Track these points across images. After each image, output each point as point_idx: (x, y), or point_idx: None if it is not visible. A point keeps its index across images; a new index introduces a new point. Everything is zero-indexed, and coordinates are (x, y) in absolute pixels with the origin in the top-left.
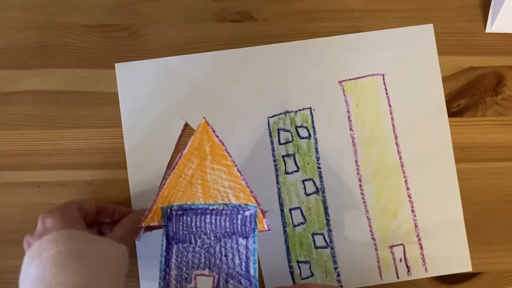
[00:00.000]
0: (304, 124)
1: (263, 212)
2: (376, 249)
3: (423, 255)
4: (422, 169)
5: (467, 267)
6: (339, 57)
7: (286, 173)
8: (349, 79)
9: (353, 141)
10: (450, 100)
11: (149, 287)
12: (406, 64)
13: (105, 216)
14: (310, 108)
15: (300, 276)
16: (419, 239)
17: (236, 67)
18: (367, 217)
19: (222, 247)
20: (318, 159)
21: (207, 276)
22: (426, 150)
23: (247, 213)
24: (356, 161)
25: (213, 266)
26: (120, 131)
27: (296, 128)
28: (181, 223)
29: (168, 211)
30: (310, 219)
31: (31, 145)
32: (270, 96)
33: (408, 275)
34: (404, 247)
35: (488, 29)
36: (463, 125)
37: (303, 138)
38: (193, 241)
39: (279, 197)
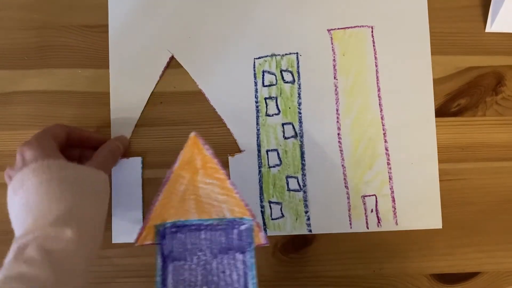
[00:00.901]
0: (290, 69)
1: (259, 226)
2: (348, 198)
3: (395, 208)
4: (402, 124)
5: (437, 224)
6: (330, 5)
7: (267, 115)
8: (338, 28)
9: (336, 89)
10: (450, 100)
11: (121, 225)
12: (395, 19)
13: (82, 143)
14: (297, 53)
15: (271, 216)
16: (392, 192)
17: (228, 6)
18: (342, 165)
19: (219, 263)
20: (299, 104)
21: None
22: (407, 104)
23: (242, 227)
24: (337, 110)
25: (211, 283)
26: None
27: (281, 71)
28: (175, 241)
29: (162, 229)
30: (286, 162)
31: None
32: (258, 38)
33: (378, 226)
34: (376, 198)
35: (488, 29)
36: (463, 125)
37: (287, 82)
38: (188, 258)
39: (258, 137)
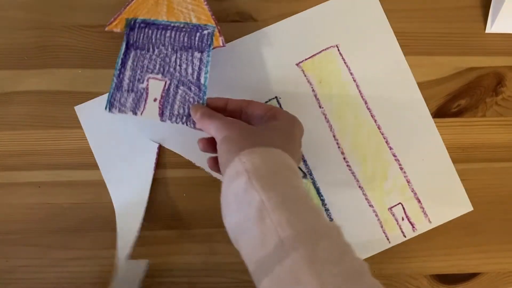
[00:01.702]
0: None
1: (220, 31)
2: (376, 215)
3: (423, 208)
4: (399, 126)
5: (468, 207)
6: (290, 40)
7: None
8: (305, 59)
9: (325, 117)
10: (450, 100)
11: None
12: (356, 30)
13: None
14: (276, 97)
15: None
16: (415, 194)
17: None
18: (359, 186)
19: (178, 58)
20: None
21: (159, 80)
22: (398, 106)
23: (205, 31)
24: (334, 136)
25: (167, 72)
26: None
27: None
28: (142, 34)
29: (132, 22)
30: None
31: (31, 145)
32: (237, 94)
33: (413, 231)
34: (402, 205)
35: (488, 29)
36: (463, 125)
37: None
38: (151, 50)
39: None
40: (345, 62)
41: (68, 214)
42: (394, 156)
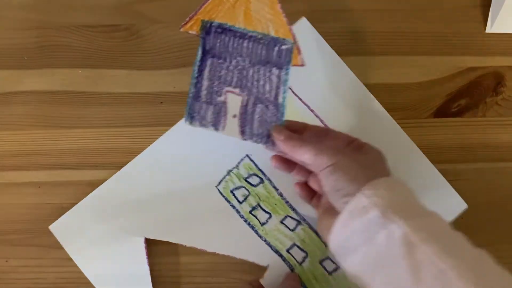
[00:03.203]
0: (251, 172)
1: (299, 49)
2: None
3: None
4: (366, 136)
5: (462, 206)
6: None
7: (262, 224)
8: None
9: None
10: (450, 100)
11: None
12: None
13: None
14: (247, 155)
15: None
16: None
17: (167, 161)
18: None
19: (256, 72)
20: (281, 195)
21: (237, 94)
22: (363, 122)
23: (284, 47)
24: None
25: (244, 87)
26: (119, 131)
27: (245, 180)
28: (218, 40)
29: (208, 25)
30: (310, 250)
31: (31, 145)
32: (205, 167)
33: None
34: None
35: (488, 29)
36: (463, 125)
37: (256, 185)
38: (228, 59)
39: (270, 247)
40: (302, 101)
41: None
42: None
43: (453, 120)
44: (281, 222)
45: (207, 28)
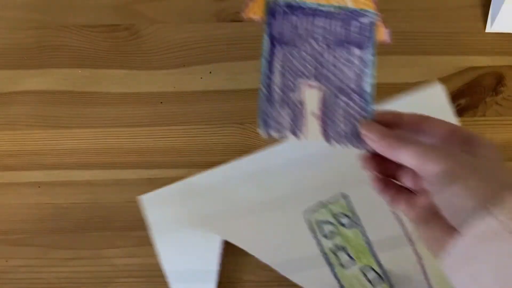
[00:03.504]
0: (344, 212)
1: (383, 21)
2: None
3: None
4: None
5: None
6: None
7: (341, 266)
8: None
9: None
10: (450, 100)
11: None
12: None
13: None
14: (342, 193)
15: None
16: None
17: (263, 174)
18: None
19: (333, 56)
20: (369, 244)
21: (315, 87)
22: None
23: (365, 20)
24: (410, 239)
25: (321, 76)
26: (119, 131)
27: (336, 217)
28: (286, 22)
29: (273, 5)
30: None
31: (31, 145)
32: (301, 190)
33: None
34: None
35: (488, 29)
36: (463, 125)
37: (347, 227)
38: (299, 44)
39: None
40: None
41: (68, 214)
42: None
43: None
44: (362, 271)
45: (272, 9)
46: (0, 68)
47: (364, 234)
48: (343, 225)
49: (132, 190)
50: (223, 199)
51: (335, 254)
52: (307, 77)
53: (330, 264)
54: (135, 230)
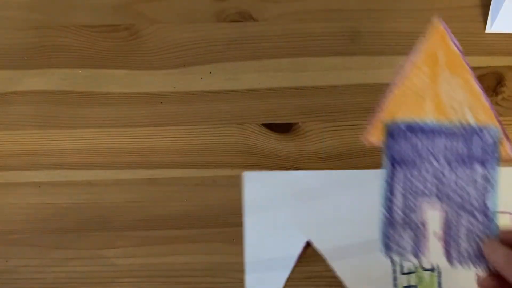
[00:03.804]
0: None
1: (507, 136)
2: None
3: None
4: None
5: None
6: None
7: None
8: None
9: None
10: None
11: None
12: None
13: None
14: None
15: None
16: None
17: (362, 192)
18: None
19: (455, 174)
20: None
21: (437, 206)
22: None
23: (487, 136)
24: None
25: (443, 195)
26: (119, 131)
27: None
28: (406, 143)
29: (393, 127)
30: None
31: (31, 145)
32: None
33: None
34: None
35: (488, 29)
36: None
37: (426, 269)
38: (420, 165)
39: None
40: None
41: (68, 214)
42: None
43: None
44: None
45: (392, 131)
46: (0, 68)
47: (438, 281)
48: (422, 266)
49: (132, 190)
50: (321, 202)
51: None
52: (429, 197)
53: None
54: (135, 230)
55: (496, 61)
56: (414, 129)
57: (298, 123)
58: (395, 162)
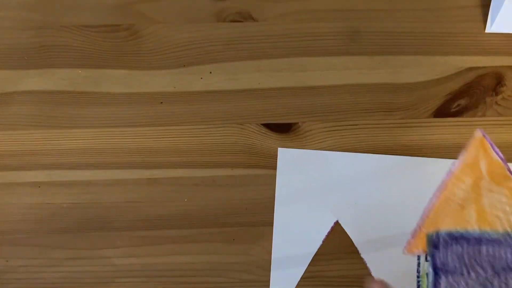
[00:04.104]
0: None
1: None
2: None
3: None
4: None
5: None
6: None
7: None
8: None
9: None
10: (450, 100)
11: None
12: None
13: None
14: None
15: None
16: None
17: (394, 180)
18: None
19: (502, 282)
20: None
21: None
22: None
23: None
24: None
25: None
26: (119, 131)
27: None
28: (450, 253)
29: (435, 238)
30: None
31: (31, 145)
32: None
33: None
34: None
35: (488, 29)
36: (463, 125)
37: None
38: (465, 273)
39: None
40: None
41: (68, 214)
42: None
43: (453, 120)
44: None
45: (435, 242)
46: (0, 68)
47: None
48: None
49: (132, 190)
50: (351, 186)
51: (427, 278)
52: None
53: (418, 286)
54: (135, 230)
55: (496, 61)
56: (457, 238)
57: (298, 123)
58: (439, 271)
